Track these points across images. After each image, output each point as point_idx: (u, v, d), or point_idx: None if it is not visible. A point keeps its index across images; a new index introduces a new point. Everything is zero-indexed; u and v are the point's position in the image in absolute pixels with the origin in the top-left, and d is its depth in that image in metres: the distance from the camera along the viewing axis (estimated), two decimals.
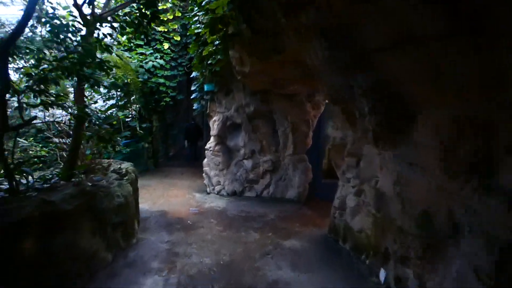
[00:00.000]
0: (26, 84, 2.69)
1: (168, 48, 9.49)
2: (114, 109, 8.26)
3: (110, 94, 8.42)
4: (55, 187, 3.33)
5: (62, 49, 2.70)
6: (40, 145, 6.10)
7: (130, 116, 8.97)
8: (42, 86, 2.57)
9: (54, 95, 2.71)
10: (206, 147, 6.90)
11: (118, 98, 8.57)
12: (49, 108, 2.96)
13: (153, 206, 5.72)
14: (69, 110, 2.84)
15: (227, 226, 4.72)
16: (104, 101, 8.38)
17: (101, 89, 8.10)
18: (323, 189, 6.73)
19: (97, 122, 3.10)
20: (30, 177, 3.01)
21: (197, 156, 10.53)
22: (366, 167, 3.53)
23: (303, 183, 6.43)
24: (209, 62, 6.01)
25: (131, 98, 8.73)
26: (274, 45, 4.09)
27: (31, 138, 6.29)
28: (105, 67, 2.79)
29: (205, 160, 6.95)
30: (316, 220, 5.21)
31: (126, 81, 7.58)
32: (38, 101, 2.62)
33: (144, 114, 9.15)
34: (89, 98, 7.94)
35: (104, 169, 4.72)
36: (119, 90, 8.12)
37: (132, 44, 8.91)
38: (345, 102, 3.41)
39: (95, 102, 8.26)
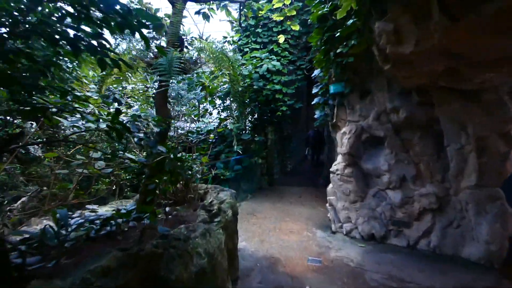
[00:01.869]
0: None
1: (284, 50, 8.28)
2: (227, 121, 7.55)
3: (225, 104, 7.79)
4: (115, 234, 2.31)
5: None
6: None
7: (245, 128, 8.14)
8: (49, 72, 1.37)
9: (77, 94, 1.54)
10: (331, 169, 5.10)
11: (233, 109, 7.86)
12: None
13: (260, 247, 4.34)
14: (96, 120, 1.62)
15: None
16: (218, 113, 7.80)
17: (216, 100, 7.57)
18: None
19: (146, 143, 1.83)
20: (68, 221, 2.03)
21: (319, 163, 10.37)
22: None
23: (497, 236, 3.79)
24: (338, 51, 4.29)
25: (247, 109, 7.89)
26: None
27: None
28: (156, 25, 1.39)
29: (330, 186, 5.16)
30: None
31: (221, 73, 6.68)
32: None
33: (253, 126, 8.15)
34: (203, 110, 7.47)
35: (199, 199, 3.65)
36: (231, 98, 7.34)
37: (247, 49, 8.13)
38: None
39: (210, 114, 7.77)
